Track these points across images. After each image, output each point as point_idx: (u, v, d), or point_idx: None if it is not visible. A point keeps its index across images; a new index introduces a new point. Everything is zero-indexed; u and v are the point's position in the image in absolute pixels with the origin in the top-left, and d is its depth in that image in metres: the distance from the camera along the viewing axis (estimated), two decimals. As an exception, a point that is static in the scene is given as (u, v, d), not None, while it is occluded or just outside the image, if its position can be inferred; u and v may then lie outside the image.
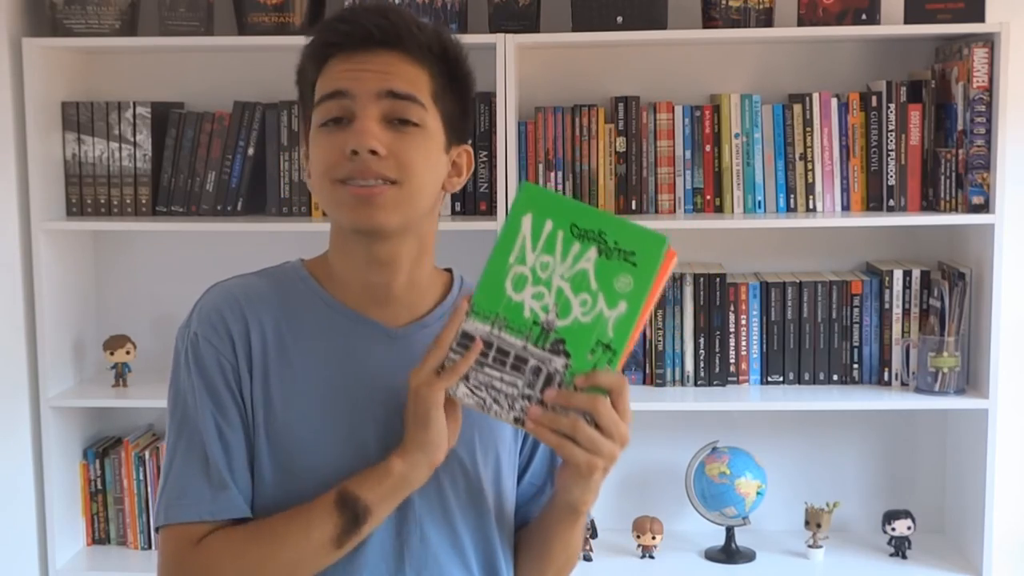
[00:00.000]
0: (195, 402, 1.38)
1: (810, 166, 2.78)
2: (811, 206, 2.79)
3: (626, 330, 1.26)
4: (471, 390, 1.28)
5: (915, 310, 2.81)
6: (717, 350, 2.83)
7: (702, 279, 2.81)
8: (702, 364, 2.84)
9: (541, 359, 1.27)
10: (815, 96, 2.77)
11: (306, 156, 1.43)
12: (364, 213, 1.34)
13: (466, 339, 1.28)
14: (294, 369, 1.39)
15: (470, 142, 1.48)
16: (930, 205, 2.78)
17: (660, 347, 2.83)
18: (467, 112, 1.44)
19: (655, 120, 2.79)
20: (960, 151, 2.68)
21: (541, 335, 1.27)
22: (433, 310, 1.45)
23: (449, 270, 1.52)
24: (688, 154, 2.79)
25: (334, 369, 1.39)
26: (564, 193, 2.79)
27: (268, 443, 1.38)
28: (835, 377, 2.84)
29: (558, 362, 1.26)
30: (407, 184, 1.35)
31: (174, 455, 1.38)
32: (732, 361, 2.84)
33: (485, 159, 2.79)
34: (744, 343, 2.83)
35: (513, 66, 2.68)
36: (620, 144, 2.80)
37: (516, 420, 1.28)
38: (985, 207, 2.66)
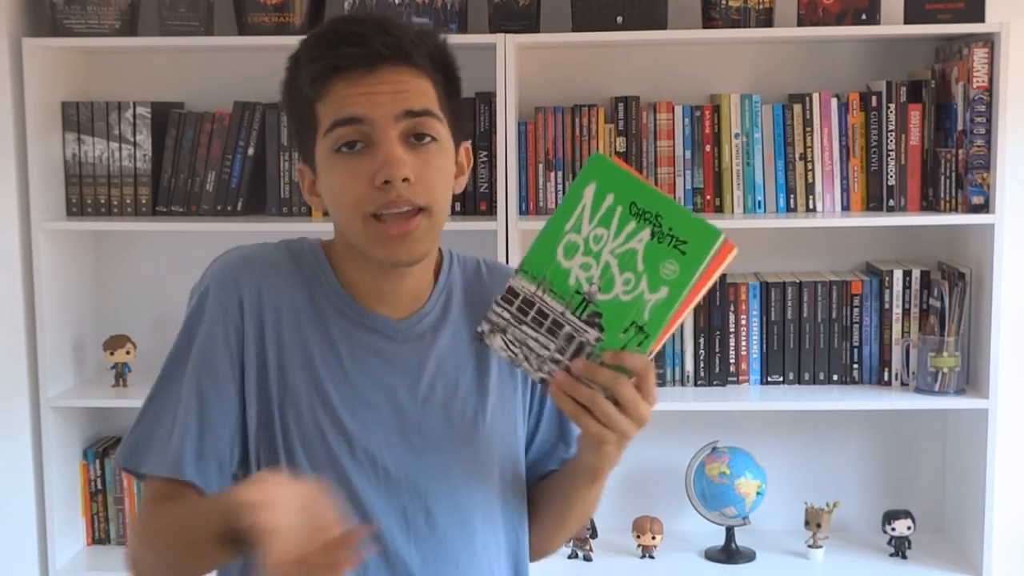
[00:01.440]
0: (188, 358, 1.39)
1: (810, 166, 2.78)
2: (811, 206, 2.79)
3: (662, 316, 1.26)
4: (506, 343, 1.31)
5: (915, 310, 2.81)
6: (717, 350, 2.83)
7: (702, 279, 2.81)
8: (702, 364, 2.84)
9: (576, 328, 1.28)
10: (815, 96, 2.77)
11: (304, 173, 1.42)
12: (403, 251, 1.35)
13: (510, 294, 1.30)
14: (308, 348, 1.40)
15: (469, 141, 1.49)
16: (930, 205, 2.78)
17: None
18: (463, 110, 1.45)
19: (655, 120, 2.79)
20: (960, 151, 2.68)
21: (581, 304, 1.28)
22: (429, 297, 1.46)
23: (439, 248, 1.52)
24: (688, 154, 2.79)
25: (342, 356, 1.41)
26: (565, 192, 2.79)
27: (280, 413, 1.38)
28: (835, 377, 2.84)
29: (591, 334, 1.28)
30: (435, 208, 1.36)
31: (152, 401, 1.40)
32: (732, 361, 2.84)
33: (485, 159, 2.79)
34: (744, 343, 2.83)
35: (513, 66, 2.68)
36: (620, 144, 2.80)
37: (542, 380, 1.30)
38: (985, 207, 2.66)
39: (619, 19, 2.68)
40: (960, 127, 2.67)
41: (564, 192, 2.79)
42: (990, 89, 2.63)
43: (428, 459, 1.42)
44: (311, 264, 1.45)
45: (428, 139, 1.36)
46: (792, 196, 2.79)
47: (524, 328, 1.30)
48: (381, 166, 1.32)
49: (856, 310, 2.82)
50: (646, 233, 1.26)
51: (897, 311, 2.81)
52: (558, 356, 1.29)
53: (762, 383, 2.85)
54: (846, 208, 2.79)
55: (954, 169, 2.71)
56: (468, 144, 1.47)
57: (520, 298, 1.30)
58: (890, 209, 2.78)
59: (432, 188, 1.35)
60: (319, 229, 2.70)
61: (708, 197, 2.80)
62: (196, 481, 1.37)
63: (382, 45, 1.33)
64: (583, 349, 1.28)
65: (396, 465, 1.40)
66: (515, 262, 2.71)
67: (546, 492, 1.53)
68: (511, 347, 1.30)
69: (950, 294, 2.74)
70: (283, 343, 1.40)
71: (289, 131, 1.45)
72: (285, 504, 1.13)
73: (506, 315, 1.30)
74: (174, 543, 1.31)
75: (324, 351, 1.40)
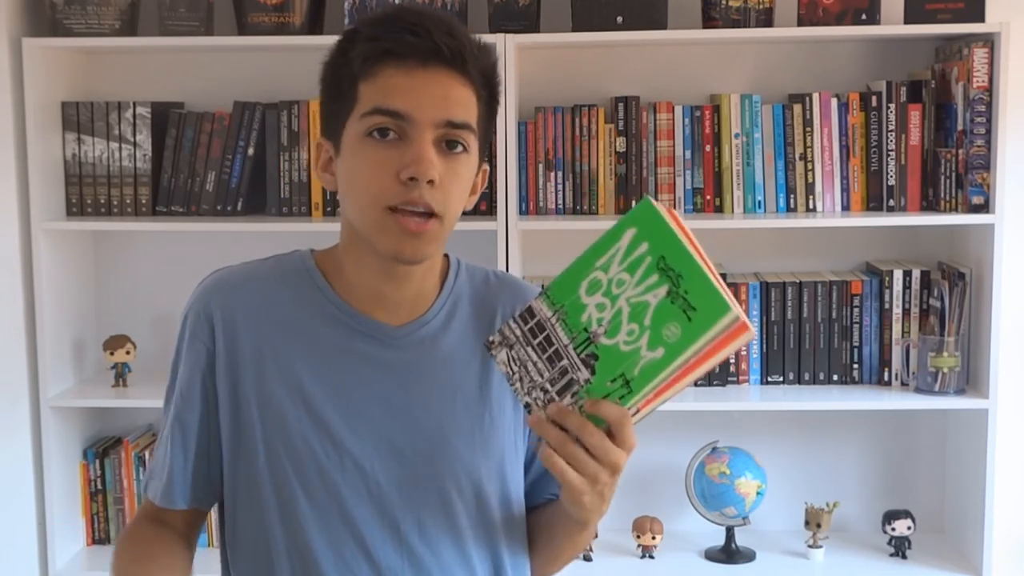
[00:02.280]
0: (173, 390, 1.45)
1: (810, 166, 2.78)
2: (811, 206, 2.79)
3: (650, 376, 1.25)
4: (509, 359, 1.31)
5: (915, 310, 2.81)
6: (717, 350, 2.83)
7: (702, 279, 2.81)
8: (702, 364, 2.83)
9: (572, 363, 1.28)
10: (815, 96, 2.77)
11: (323, 147, 1.41)
12: (409, 247, 1.34)
13: (528, 315, 1.30)
14: (294, 362, 1.39)
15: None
16: (930, 205, 2.78)
17: (660, 347, 2.83)
18: (494, 132, 1.45)
19: (655, 120, 2.79)
20: (960, 151, 2.68)
21: (584, 342, 1.27)
22: (432, 304, 1.45)
23: (446, 254, 1.51)
24: (688, 154, 2.79)
25: (333, 367, 1.40)
26: (565, 192, 2.80)
27: (263, 429, 1.39)
28: (835, 377, 2.84)
29: (582, 374, 1.27)
30: (447, 218, 1.36)
31: (159, 433, 1.49)
32: (732, 361, 2.84)
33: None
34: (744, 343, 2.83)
35: (513, 66, 2.68)
36: (620, 144, 2.80)
37: (526, 405, 1.30)
38: (985, 207, 2.66)
39: (619, 19, 2.68)
40: (960, 127, 2.67)
41: (564, 192, 2.80)
42: (990, 89, 2.63)
43: (422, 473, 1.40)
44: (301, 276, 1.44)
45: (460, 148, 1.36)
46: (792, 196, 2.79)
47: (528, 350, 1.30)
48: (411, 162, 1.31)
49: (856, 310, 2.82)
50: (663, 290, 1.24)
51: (897, 311, 2.81)
52: (547, 386, 1.29)
53: (762, 383, 2.85)
54: (846, 208, 2.79)
55: (954, 169, 2.71)
56: (487, 167, 1.47)
57: (535, 320, 1.30)
58: (890, 209, 2.78)
59: (451, 197, 1.35)
60: (319, 229, 2.70)
61: (708, 197, 2.80)
62: (185, 506, 1.45)
63: (444, 44, 1.32)
64: (571, 387, 1.28)
65: (388, 478, 1.39)
66: (515, 262, 2.71)
67: (542, 524, 1.51)
68: (511, 364, 1.30)
69: (950, 294, 2.74)
70: (264, 361, 1.39)
71: (323, 107, 1.43)
72: None
73: (518, 332, 1.30)
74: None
75: (314, 363, 1.39)
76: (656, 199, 2.77)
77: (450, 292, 1.47)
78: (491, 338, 1.32)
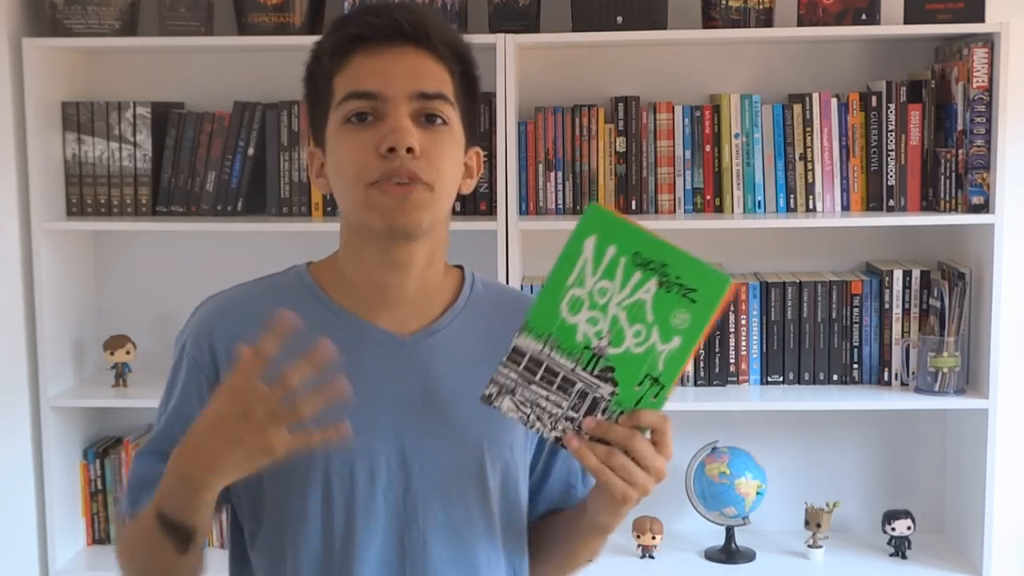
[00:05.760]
0: (167, 412, 1.42)
1: (810, 166, 2.78)
2: (811, 206, 2.79)
3: (677, 366, 1.25)
4: (516, 405, 1.28)
5: (915, 310, 2.81)
6: (717, 350, 2.83)
7: (702, 279, 2.81)
8: (702, 364, 2.84)
9: (588, 383, 1.26)
10: (815, 96, 2.77)
11: (314, 155, 1.41)
12: (399, 215, 1.33)
13: (516, 355, 1.27)
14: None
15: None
16: (930, 205, 2.78)
17: (660, 347, 2.83)
18: (478, 114, 1.45)
19: (655, 120, 2.79)
20: (960, 151, 2.68)
21: (592, 360, 1.26)
22: (443, 314, 1.44)
23: (460, 267, 1.50)
24: (688, 154, 2.79)
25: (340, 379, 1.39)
26: (565, 192, 2.80)
27: None
28: (835, 377, 2.84)
29: (605, 389, 1.26)
30: (438, 186, 1.34)
31: (140, 452, 1.44)
32: (732, 361, 2.84)
33: (485, 159, 2.75)
34: (744, 343, 2.83)
35: (513, 66, 2.68)
36: (620, 144, 2.80)
37: (557, 439, 1.28)
38: (985, 207, 2.66)
39: (619, 19, 2.68)
40: (960, 127, 2.67)
41: (564, 192, 2.80)
42: (990, 89, 2.63)
43: (432, 482, 1.39)
44: (298, 292, 1.42)
45: (439, 121, 1.35)
46: (792, 196, 2.79)
47: (534, 388, 1.27)
48: (387, 133, 1.32)
49: (856, 310, 2.82)
50: (653, 283, 1.24)
51: (897, 311, 2.81)
52: (572, 414, 1.27)
53: (762, 383, 2.85)
54: (846, 208, 2.79)
55: (954, 169, 2.71)
56: (480, 149, 1.46)
57: (527, 357, 1.27)
58: (890, 209, 2.78)
59: (438, 166, 1.34)
60: (319, 229, 2.70)
61: (708, 197, 2.80)
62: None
63: (405, 20, 1.34)
64: (598, 405, 1.26)
65: (398, 488, 1.38)
66: (515, 262, 2.71)
67: (553, 534, 1.50)
68: (521, 408, 1.28)
69: (950, 294, 2.74)
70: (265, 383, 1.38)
71: (307, 115, 1.43)
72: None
73: (513, 375, 1.28)
74: (136, 555, 1.38)
75: (320, 378, 1.38)
76: (656, 200, 2.78)
77: (464, 303, 1.45)
78: (486, 392, 1.29)
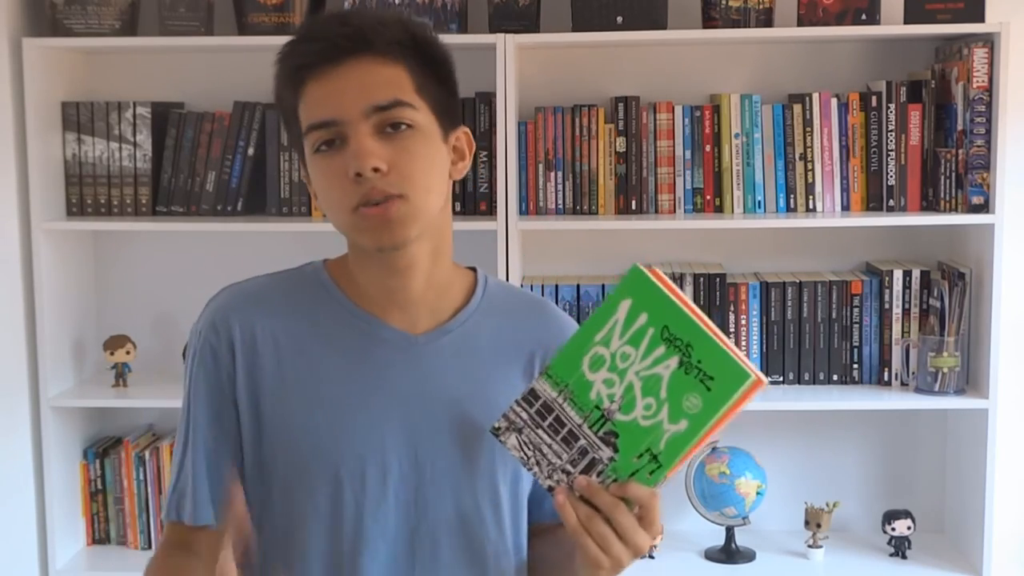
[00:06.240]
0: (192, 406, 1.42)
1: (810, 166, 2.78)
2: (811, 206, 2.79)
3: (678, 450, 1.24)
4: (520, 444, 1.29)
5: (915, 310, 2.81)
6: (717, 350, 2.83)
7: (702, 279, 2.81)
8: (702, 364, 2.83)
9: (591, 443, 1.27)
10: (815, 96, 2.77)
11: (307, 177, 1.42)
12: (384, 234, 1.33)
13: (532, 396, 1.28)
14: (313, 373, 1.39)
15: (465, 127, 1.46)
16: (930, 205, 2.78)
17: (660, 347, 2.83)
18: (454, 94, 1.42)
19: (655, 120, 2.79)
20: (960, 151, 2.68)
21: (599, 420, 1.26)
22: (456, 315, 1.44)
23: (474, 269, 1.50)
24: (688, 154, 2.79)
25: (352, 376, 1.39)
26: (565, 192, 2.80)
27: (281, 447, 1.38)
28: (835, 377, 2.84)
29: (605, 452, 1.26)
30: (413, 196, 1.33)
31: (174, 452, 1.44)
32: (732, 361, 2.84)
33: (485, 159, 2.79)
34: (744, 343, 2.83)
35: (513, 66, 2.68)
36: (620, 144, 2.80)
37: (549, 488, 1.29)
38: (985, 207, 2.66)
39: (619, 19, 2.68)
40: (960, 127, 2.67)
41: (564, 192, 2.80)
42: (990, 89, 2.63)
43: (441, 482, 1.39)
44: (316, 287, 1.44)
45: (404, 127, 1.34)
46: (792, 196, 2.79)
47: (540, 433, 1.28)
48: (351, 159, 1.31)
49: (856, 310, 2.82)
50: (674, 361, 1.22)
51: (897, 311, 2.81)
52: (569, 468, 1.27)
53: (762, 383, 2.84)
54: (846, 208, 2.79)
55: (954, 169, 2.71)
56: (466, 128, 1.44)
57: (540, 401, 1.28)
58: (890, 209, 2.78)
59: (408, 175, 1.33)
60: (319, 229, 2.70)
61: (708, 197, 2.80)
62: (213, 523, 1.39)
63: (339, 36, 1.33)
64: (595, 466, 1.26)
65: (408, 486, 1.38)
66: (515, 262, 2.71)
67: (561, 557, 1.47)
68: (524, 449, 1.29)
69: (950, 294, 2.74)
70: (284, 377, 1.39)
71: (290, 144, 1.44)
72: None
73: (524, 416, 1.29)
74: None
75: (332, 372, 1.39)
76: (656, 200, 2.78)
77: (478, 304, 1.45)
78: (496, 424, 1.30)
